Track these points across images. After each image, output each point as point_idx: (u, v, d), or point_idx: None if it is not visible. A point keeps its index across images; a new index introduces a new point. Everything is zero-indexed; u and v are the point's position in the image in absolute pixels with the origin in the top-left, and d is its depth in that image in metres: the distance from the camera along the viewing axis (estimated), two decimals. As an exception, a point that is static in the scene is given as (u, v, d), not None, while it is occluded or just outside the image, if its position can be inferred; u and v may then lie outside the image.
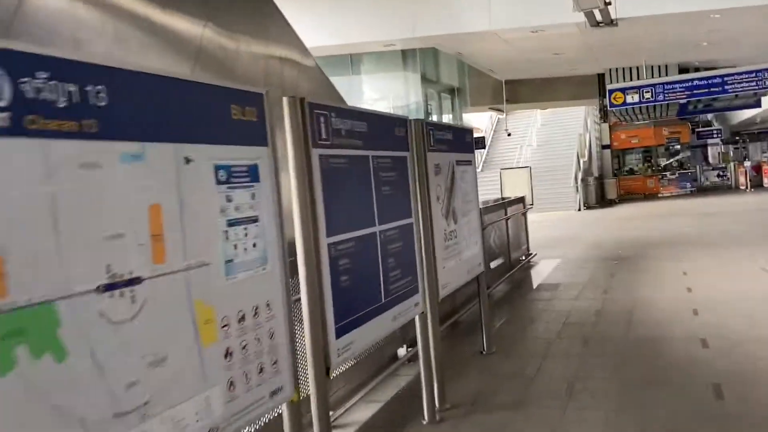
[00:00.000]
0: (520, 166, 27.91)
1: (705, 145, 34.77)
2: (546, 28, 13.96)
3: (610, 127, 29.79)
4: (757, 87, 13.43)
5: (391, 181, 3.90)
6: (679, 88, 14.04)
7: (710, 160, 36.62)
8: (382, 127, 3.92)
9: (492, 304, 7.33)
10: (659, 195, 28.90)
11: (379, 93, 14.33)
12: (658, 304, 7.60)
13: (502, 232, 10.11)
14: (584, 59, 15.19)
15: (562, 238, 15.29)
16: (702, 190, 29.65)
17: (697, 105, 16.80)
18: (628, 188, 29.16)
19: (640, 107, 15.44)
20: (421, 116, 13.17)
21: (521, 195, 11.76)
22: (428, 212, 4.42)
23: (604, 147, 30.01)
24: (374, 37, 13.53)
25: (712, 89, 13.82)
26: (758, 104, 18.78)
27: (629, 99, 14.34)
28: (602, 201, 27.01)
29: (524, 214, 11.93)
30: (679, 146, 30.88)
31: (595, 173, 27.94)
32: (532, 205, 12.52)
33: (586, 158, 27.66)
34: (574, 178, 24.95)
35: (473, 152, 6.31)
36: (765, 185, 28.68)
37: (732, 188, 29.79)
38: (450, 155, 5.08)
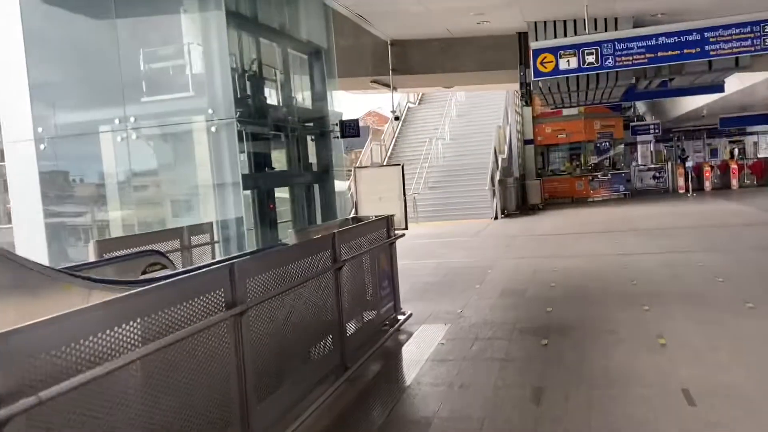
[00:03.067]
0: (389, 163, 23.34)
1: (635, 143, 31.05)
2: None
3: (533, 118, 25.37)
4: (752, 47, 8.80)
5: None
6: (638, 48, 9.26)
7: (639, 159, 32.97)
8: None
9: None
10: (589, 199, 24.69)
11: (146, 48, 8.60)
12: None
13: (326, 291, 4.93)
14: (498, 2, 10.21)
15: (462, 272, 10.29)
16: (636, 194, 25.65)
17: (651, 83, 12.19)
18: (553, 191, 24.80)
19: (577, 83, 10.63)
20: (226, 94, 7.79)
21: (386, 214, 6.58)
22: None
23: (526, 142, 25.57)
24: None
25: (685, 50, 9.11)
26: (720, 88, 14.56)
27: (563, 65, 9.48)
28: (524, 206, 22.45)
29: (392, 245, 6.80)
30: (609, 143, 26.82)
31: (516, 173, 23.35)
32: (405, 228, 7.30)
33: (505, 155, 23.06)
34: (491, 180, 20.23)
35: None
36: (706, 189, 24.94)
37: (669, 192, 25.95)
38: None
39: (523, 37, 11.32)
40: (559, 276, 9.39)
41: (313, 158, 11.03)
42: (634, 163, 28.84)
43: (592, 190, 24.88)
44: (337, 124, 11.18)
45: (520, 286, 8.80)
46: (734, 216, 16.15)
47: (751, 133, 33.62)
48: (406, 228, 7.32)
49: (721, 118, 24.80)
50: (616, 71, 10.36)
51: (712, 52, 9.11)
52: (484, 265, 10.87)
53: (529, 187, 22.86)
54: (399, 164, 7.14)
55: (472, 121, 26.10)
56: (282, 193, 10.46)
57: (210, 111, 7.94)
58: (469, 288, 8.86)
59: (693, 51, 9.18)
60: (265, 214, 9.51)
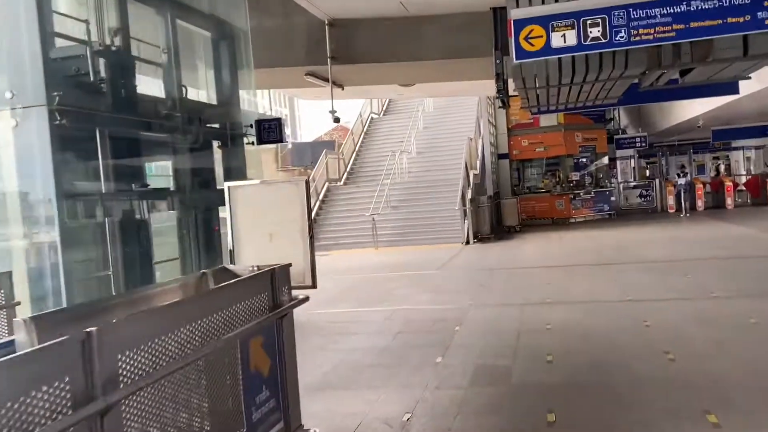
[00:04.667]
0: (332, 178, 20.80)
1: (614, 159, 28.67)
2: None
3: (509, 129, 22.76)
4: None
5: None
6: (662, 16, 6.60)
7: (620, 176, 30.61)
8: None
9: None
10: (571, 219, 22.08)
11: None
12: None
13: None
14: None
15: (420, 330, 7.39)
16: (622, 214, 23.12)
17: (661, 77, 9.54)
18: (531, 211, 22.13)
19: (573, 69, 7.88)
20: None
21: (273, 265, 3.66)
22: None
23: (500, 156, 22.92)
24: None
25: (729, 19, 6.46)
26: (734, 88, 12.06)
27: (557, 41, 6.82)
28: (499, 228, 19.73)
29: (283, 319, 3.88)
30: (591, 158, 24.31)
31: (489, 191, 20.65)
32: (312, 286, 4.34)
33: (477, 171, 20.37)
34: (461, 198, 17.45)
35: None
36: (698, 208, 22.51)
37: (658, 211, 23.48)
38: None
39: (499, 14, 8.62)
40: (556, 340, 6.55)
41: (217, 171, 8.10)
42: (614, 180, 26.43)
43: (573, 209, 22.27)
44: (250, 126, 8.28)
45: (502, 361, 5.93)
46: (747, 243, 13.57)
47: (736, 148, 31.56)
48: (314, 285, 4.43)
49: (713, 131, 22.45)
50: (627, 51, 7.69)
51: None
52: (452, 316, 7.99)
53: (504, 206, 20.15)
54: (303, 179, 4.27)
55: (440, 132, 23.46)
56: (169, 221, 7.49)
57: (8, 94, 4.97)
58: (427, 363, 5.96)
59: (740, 20, 6.49)
60: (132, 251, 6.52)
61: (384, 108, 27.54)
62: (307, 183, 4.42)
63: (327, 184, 20.74)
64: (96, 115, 5.84)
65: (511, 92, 10.97)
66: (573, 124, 22.33)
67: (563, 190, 22.58)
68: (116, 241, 6.27)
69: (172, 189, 7.26)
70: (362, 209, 18.54)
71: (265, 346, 3.72)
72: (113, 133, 6.17)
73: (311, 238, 4.42)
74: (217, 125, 8.28)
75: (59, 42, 5.53)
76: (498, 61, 8.88)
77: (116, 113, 6.17)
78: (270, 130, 8.37)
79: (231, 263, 4.59)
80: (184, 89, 7.37)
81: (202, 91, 8.22)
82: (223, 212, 5.49)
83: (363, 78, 11.48)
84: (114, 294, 5.55)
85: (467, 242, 16.88)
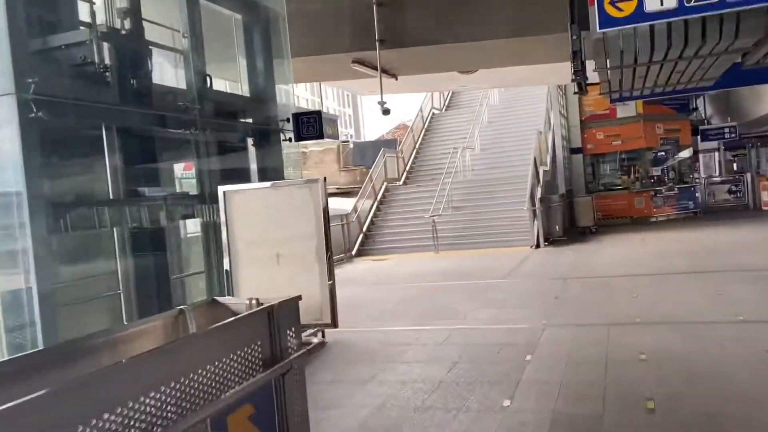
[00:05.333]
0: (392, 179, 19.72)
1: (696, 152, 26.31)
2: None
3: (581, 122, 21.07)
4: None
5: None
6: (791, -35, 5.14)
7: (702, 171, 28.22)
8: None
9: None
10: (652, 219, 20.22)
11: None
12: None
13: None
14: None
15: (483, 358, 6.18)
16: (708, 212, 21.03)
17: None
18: (607, 210, 20.40)
19: (668, 40, 6.47)
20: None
21: (277, 300, 2.60)
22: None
23: (573, 151, 21.26)
24: None
25: None
26: None
27: (651, 3, 5.46)
28: (572, 230, 18.16)
29: (283, 377, 2.82)
30: (672, 151, 22.26)
31: (561, 189, 19.08)
32: (333, 325, 3.23)
33: (547, 167, 18.84)
34: (530, 197, 16.02)
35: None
36: (798, 205, 20.21)
37: (750, 209, 21.26)
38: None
39: (575, -20, 7.32)
40: (655, 377, 5.22)
41: (253, 170, 7.14)
42: (696, 175, 24.24)
43: (654, 207, 20.40)
44: (287, 120, 7.27)
45: (588, 407, 4.66)
46: None
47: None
48: (334, 323, 3.32)
49: (816, 118, 20.08)
50: (739, 15, 6.22)
51: None
52: (522, 340, 6.74)
53: (578, 205, 18.53)
54: (317, 179, 3.18)
55: (507, 126, 22.03)
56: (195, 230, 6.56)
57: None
58: (491, 408, 4.77)
59: None
60: (147, 269, 5.60)
61: (446, 103, 26.28)
62: (324, 183, 3.31)
63: (385, 183, 19.68)
64: (92, 107, 4.93)
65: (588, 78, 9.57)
66: (653, 114, 20.45)
67: (643, 186, 20.71)
68: (125, 255, 5.37)
69: (193, 194, 6.32)
70: (422, 210, 17.37)
71: (255, 418, 2.63)
72: (115, 129, 5.26)
73: (329, 259, 3.31)
74: (249, 120, 7.32)
75: (40, 20, 4.64)
76: (575, 37, 7.53)
77: (121, 105, 5.26)
78: (309, 125, 7.34)
79: (227, 293, 3.56)
80: (208, 79, 6.43)
81: (231, 81, 7.28)
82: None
83: (417, 64, 10.28)
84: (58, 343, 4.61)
85: (537, 245, 15.46)
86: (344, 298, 10.21)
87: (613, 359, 5.82)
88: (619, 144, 20.80)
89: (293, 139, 7.32)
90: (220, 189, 3.59)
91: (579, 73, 7.95)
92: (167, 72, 6.22)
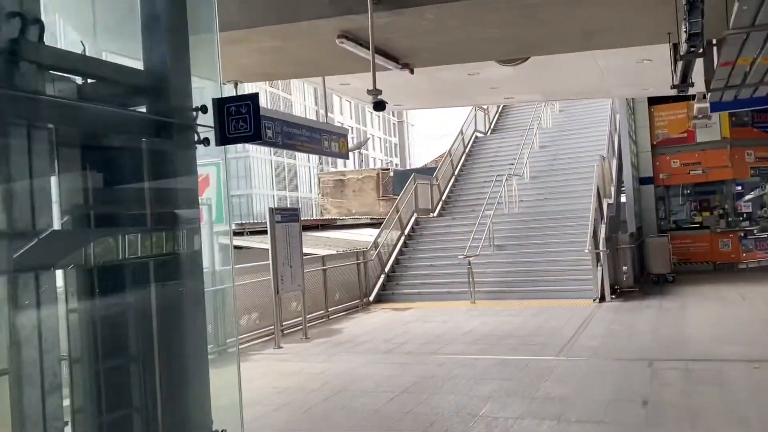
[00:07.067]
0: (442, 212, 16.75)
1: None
2: None
3: (653, 146, 17.61)
4: None
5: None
6: None
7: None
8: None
9: None
10: (740, 265, 16.53)
11: None
12: None
13: None
14: None
15: None
16: (811, 258, 17.18)
17: None
18: (684, 253, 16.84)
19: None
20: None
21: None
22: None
23: (642, 181, 17.78)
24: None
25: None
26: None
27: None
28: (642, 278, 14.68)
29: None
30: (754, 183, 18.51)
31: (631, 227, 15.66)
32: None
33: (611, 200, 15.46)
34: (592, 236, 12.69)
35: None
36: None
37: None
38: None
39: None
40: None
41: (134, 198, 4.18)
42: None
43: (744, 251, 16.71)
44: (201, 110, 4.32)
45: None
46: None
47: None
48: None
49: None
50: None
51: None
52: None
53: (650, 247, 15.04)
54: None
55: (562, 151, 18.82)
56: None
57: None
58: None
59: None
60: None
61: (491, 125, 23.24)
62: None
63: (415, 215, 16.63)
64: None
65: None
66: (743, 138, 16.89)
67: (729, 225, 17.06)
68: None
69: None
70: (458, 248, 14.24)
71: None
72: None
73: None
74: (143, 108, 4.40)
75: None
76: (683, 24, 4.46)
77: None
78: (240, 118, 4.42)
79: None
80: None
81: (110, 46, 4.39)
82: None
83: (436, 45, 7.02)
84: None
85: (602, 299, 12.09)
86: (326, 383, 7.11)
87: None
88: (700, 174, 17.22)
89: (215, 141, 4.38)
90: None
91: (695, 37, 4.80)
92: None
